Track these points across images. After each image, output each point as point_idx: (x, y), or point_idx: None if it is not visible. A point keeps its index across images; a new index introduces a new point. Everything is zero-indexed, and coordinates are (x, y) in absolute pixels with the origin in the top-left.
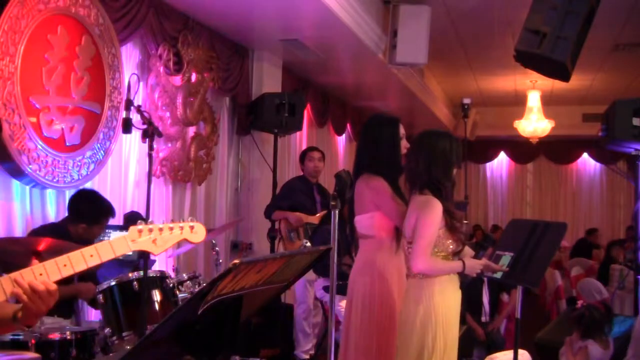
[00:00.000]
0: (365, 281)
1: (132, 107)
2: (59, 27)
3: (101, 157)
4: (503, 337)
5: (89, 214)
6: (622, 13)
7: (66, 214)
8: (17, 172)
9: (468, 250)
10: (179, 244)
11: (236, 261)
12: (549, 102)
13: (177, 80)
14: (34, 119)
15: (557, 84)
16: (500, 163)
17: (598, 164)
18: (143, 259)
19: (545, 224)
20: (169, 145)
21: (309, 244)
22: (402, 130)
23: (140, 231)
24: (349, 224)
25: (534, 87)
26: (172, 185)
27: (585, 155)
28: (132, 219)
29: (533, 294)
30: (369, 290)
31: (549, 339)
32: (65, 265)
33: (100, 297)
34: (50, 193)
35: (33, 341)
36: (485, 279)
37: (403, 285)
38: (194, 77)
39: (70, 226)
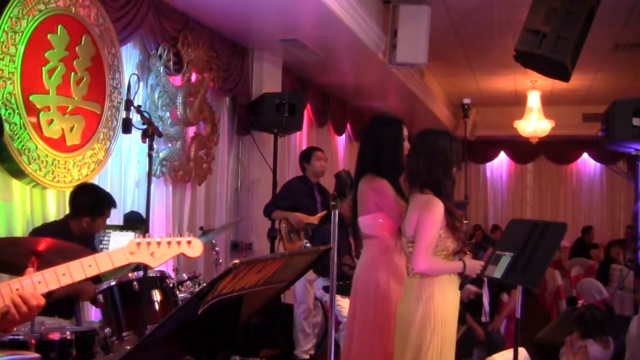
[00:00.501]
0: (369, 281)
1: (132, 107)
2: (59, 27)
3: (101, 157)
4: (503, 337)
5: (91, 206)
6: (622, 13)
7: (66, 212)
8: (17, 172)
9: None
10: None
11: (236, 261)
12: (549, 102)
13: (177, 80)
14: (34, 119)
15: (557, 84)
16: (500, 163)
17: (598, 164)
18: None
19: (545, 224)
20: (169, 145)
21: (309, 244)
22: (405, 132)
23: (138, 244)
24: (352, 224)
25: (534, 87)
26: (172, 185)
27: (585, 155)
28: (132, 218)
29: (533, 294)
30: (373, 289)
31: (549, 339)
32: (64, 275)
33: (100, 297)
34: (50, 193)
35: (33, 341)
36: (485, 279)
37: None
38: (194, 77)
39: (72, 222)
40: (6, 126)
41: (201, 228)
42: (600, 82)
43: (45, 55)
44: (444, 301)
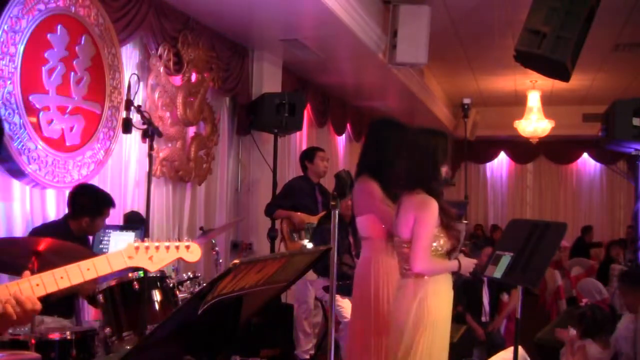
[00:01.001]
0: (365, 280)
1: (132, 107)
2: (59, 26)
3: (101, 157)
4: (503, 337)
5: (91, 206)
6: (622, 13)
7: (66, 212)
8: (17, 172)
9: None
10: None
11: (236, 261)
12: (549, 102)
13: (177, 80)
14: (34, 119)
15: (557, 84)
16: (500, 163)
17: (598, 164)
18: None
19: (545, 224)
20: (169, 145)
21: (310, 245)
22: None
23: (137, 248)
24: (351, 225)
25: (534, 87)
26: (172, 185)
27: (585, 155)
28: (132, 218)
29: (533, 294)
30: (367, 289)
31: (549, 339)
32: (62, 278)
33: (100, 297)
34: (50, 193)
35: (33, 341)
36: (485, 279)
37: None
38: (194, 77)
39: (72, 222)
40: (6, 126)
41: (201, 228)
42: (600, 82)
43: (45, 55)
44: (438, 302)
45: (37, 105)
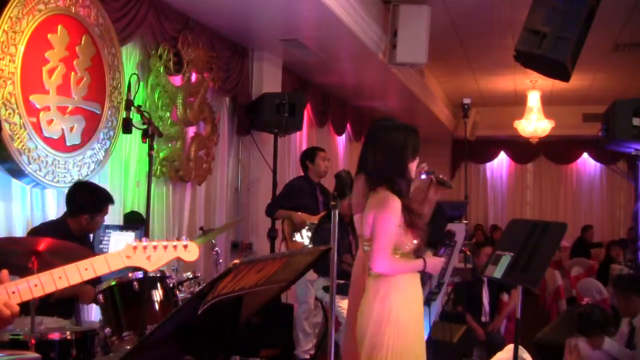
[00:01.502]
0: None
1: (132, 107)
2: (59, 27)
3: (101, 157)
4: (503, 337)
5: (90, 204)
6: (622, 13)
7: (65, 211)
8: (17, 172)
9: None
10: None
11: (236, 261)
12: (549, 102)
13: (177, 80)
14: (34, 119)
15: (557, 84)
16: (500, 163)
17: (598, 164)
18: None
19: (545, 224)
20: (169, 145)
21: (311, 245)
22: None
23: (135, 248)
24: (351, 225)
25: (534, 87)
26: (172, 185)
27: (585, 155)
28: (132, 219)
29: (533, 294)
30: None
31: (549, 339)
32: (60, 278)
33: (100, 297)
34: (50, 193)
35: (33, 341)
36: (485, 279)
37: None
38: (194, 77)
39: (71, 221)
40: (6, 126)
41: (201, 228)
42: (600, 82)
43: (45, 55)
44: (401, 299)
45: (37, 106)
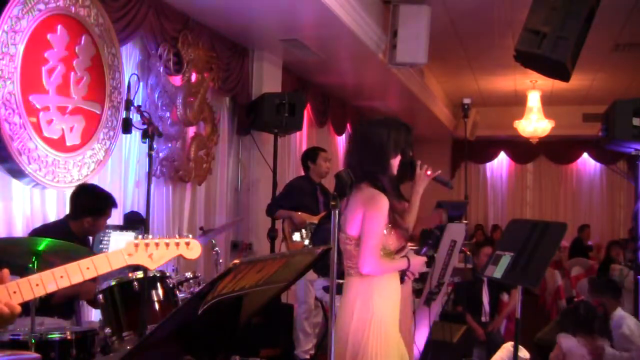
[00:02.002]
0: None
1: (132, 107)
2: (59, 27)
3: (101, 157)
4: (503, 337)
5: (93, 207)
6: (622, 13)
7: (66, 213)
8: (17, 172)
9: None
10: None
11: (236, 261)
12: (549, 102)
13: (177, 80)
14: (34, 119)
15: (557, 84)
16: (500, 163)
17: (598, 164)
18: None
19: (545, 224)
20: (169, 145)
21: (311, 245)
22: None
23: (136, 245)
24: None
25: (534, 87)
26: (172, 185)
27: (585, 155)
28: (132, 219)
29: (533, 294)
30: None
31: (549, 339)
32: (61, 277)
33: (100, 297)
34: (50, 193)
35: (33, 341)
36: (485, 279)
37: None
38: (194, 77)
39: (73, 223)
40: (6, 126)
41: (201, 228)
42: (600, 82)
43: (45, 55)
44: (382, 300)
45: (37, 105)
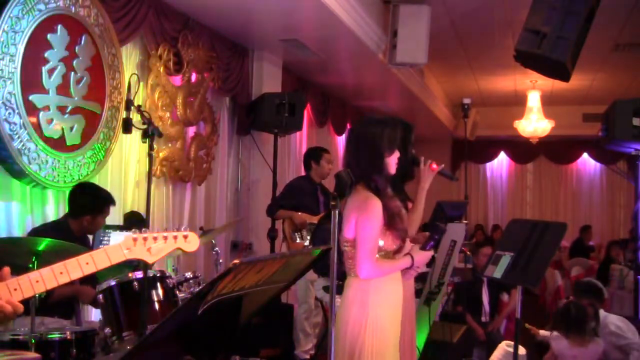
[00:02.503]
0: None
1: (132, 107)
2: (59, 27)
3: (101, 157)
4: (503, 337)
5: (92, 205)
6: (622, 13)
7: (66, 212)
8: (17, 172)
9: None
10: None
11: (236, 261)
12: (549, 102)
13: (177, 80)
14: (34, 119)
15: (557, 84)
16: (500, 163)
17: (598, 164)
18: None
19: (545, 224)
20: (169, 145)
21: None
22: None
23: (135, 240)
24: None
25: (534, 87)
26: (172, 185)
27: (585, 155)
28: (132, 218)
29: (533, 294)
30: None
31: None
32: (61, 273)
33: (100, 297)
34: (50, 193)
35: (33, 341)
36: (485, 279)
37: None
38: (194, 77)
39: (72, 222)
40: (6, 126)
41: (201, 228)
42: (600, 82)
43: (45, 55)
44: (380, 300)
45: (37, 105)
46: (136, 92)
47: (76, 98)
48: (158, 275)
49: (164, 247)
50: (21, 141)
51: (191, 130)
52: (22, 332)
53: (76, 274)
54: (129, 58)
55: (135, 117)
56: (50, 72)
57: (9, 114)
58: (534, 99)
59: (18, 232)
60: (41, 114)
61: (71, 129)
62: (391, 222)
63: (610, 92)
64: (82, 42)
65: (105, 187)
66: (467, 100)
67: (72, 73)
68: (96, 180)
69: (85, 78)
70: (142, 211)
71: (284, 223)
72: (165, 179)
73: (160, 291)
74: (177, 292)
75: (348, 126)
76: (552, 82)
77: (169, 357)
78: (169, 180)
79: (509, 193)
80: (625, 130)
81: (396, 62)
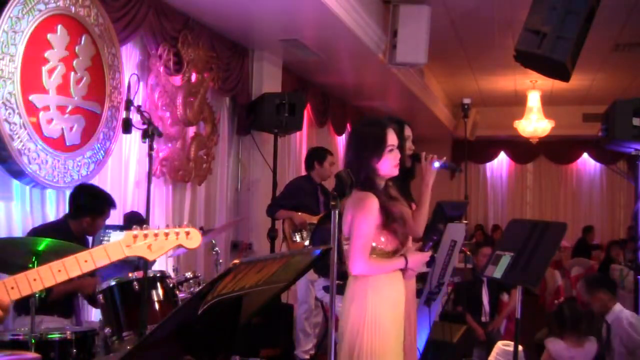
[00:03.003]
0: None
1: (132, 107)
2: (59, 27)
3: (101, 157)
4: (503, 337)
5: (92, 206)
6: (622, 13)
7: (66, 212)
8: (17, 172)
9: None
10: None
11: (236, 261)
12: (549, 102)
13: (177, 80)
14: (34, 119)
15: (557, 84)
16: (500, 163)
17: (598, 164)
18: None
19: (545, 224)
20: (169, 145)
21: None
22: (407, 132)
23: (135, 236)
24: None
25: (534, 87)
26: (172, 185)
27: (585, 155)
28: (132, 219)
29: (533, 294)
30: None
31: None
32: (59, 271)
33: (100, 297)
34: (50, 193)
35: (33, 341)
36: (485, 279)
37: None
38: (194, 77)
39: (72, 222)
40: (6, 126)
41: (201, 228)
42: (600, 82)
43: (45, 55)
44: (379, 300)
45: (37, 105)
46: (136, 92)
47: (76, 98)
48: (158, 275)
49: (165, 244)
50: (21, 141)
51: (191, 130)
52: (22, 332)
53: (74, 272)
54: (129, 58)
55: (135, 117)
56: (50, 72)
57: (9, 114)
58: (534, 99)
59: (18, 232)
60: (41, 114)
61: (71, 129)
62: (388, 222)
63: (610, 92)
64: (82, 42)
65: (105, 187)
66: (467, 100)
67: (72, 73)
68: (96, 180)
69: (85, 78)
70: (142, 211)
71: (284, 223)
72: (165, 179)
73: (160, 291)
74: (177, 292)
75: (348, 126)
76: (552, 82)
77: (169, 357)
78: (169, 180)
79: (509, 193)
80: (625, 130)
81: (396, 62)
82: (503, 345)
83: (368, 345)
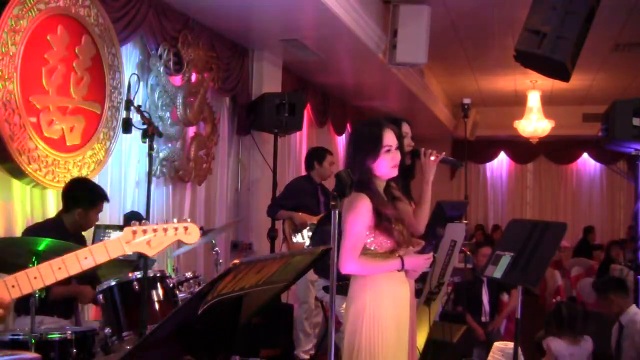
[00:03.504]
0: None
1: (132, 107)
2: (59, 27)
3: (101, 157)
4: (503, 337)
5: (84, 197)
6: (622, 13)
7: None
8: (17, 172)
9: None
10: (177, 244)
11: (236, 261)
12: (549, 102)
13: (177, 80)
14: (34, 119)
15: (557, 84)
16: (500, 163)
17: (598, 164)
18: (143, 258)
19: (545, 224)
20: (169, 145)
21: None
22: (405, 129)
23: (134, 232)
24: None
25: (534, 87)
26: (172, 185)
27: (585, 155)
28: (132, 219)
29: (533, 294)
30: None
31: None
32: (59, 269)
33: (100, 297)
34: (50, 193)
35: (33, 341)
36: (485, 279)
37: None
38: (194, 77)
39: (66, 217)
40: (6, 126)
41: (201, 228)
42: (600, 82)
43: (45, 55)
44: (377, 297)
45: (37, 106)
46: (136, 92)
47: (76, 98)
48: (158, 275)
49: (164, 239)
50: (21, 141)
51: (191, 130)
52: (22, 332)
53: (74, 269)
54: (129, 58)
55: (135, 117)
56: (50, 72)
57: (9, 114)
58: (534, 99)
59: (18, 232)
60: (41, 114)
61: (71, 129)
62: (380, 223)
63: (610, 92)
64: (82, 42)
65: (105, 187)
66: (467, 100)
67: (72, 73)
68: (96, 180)
69: (85, 78)
70: (142, 211)
71: (284, 223)
72: (165, 179)
73: (160, 291)
74: (177, 292)
75: (348, 126)
76: (552, 82)
77: (169, 357)
78: (169, 180)
79: (509, 193)
80: (625, 130)
81: (396, 62)
82: (500, 345)
83: (366, 345)
